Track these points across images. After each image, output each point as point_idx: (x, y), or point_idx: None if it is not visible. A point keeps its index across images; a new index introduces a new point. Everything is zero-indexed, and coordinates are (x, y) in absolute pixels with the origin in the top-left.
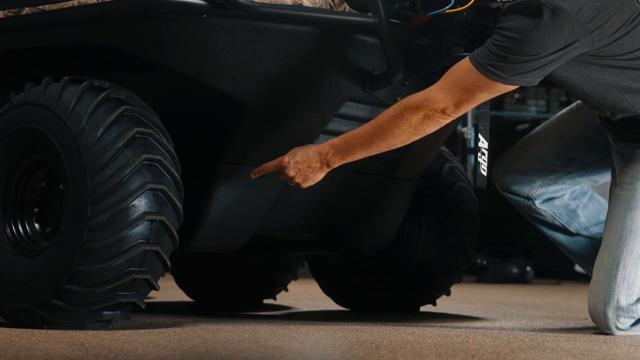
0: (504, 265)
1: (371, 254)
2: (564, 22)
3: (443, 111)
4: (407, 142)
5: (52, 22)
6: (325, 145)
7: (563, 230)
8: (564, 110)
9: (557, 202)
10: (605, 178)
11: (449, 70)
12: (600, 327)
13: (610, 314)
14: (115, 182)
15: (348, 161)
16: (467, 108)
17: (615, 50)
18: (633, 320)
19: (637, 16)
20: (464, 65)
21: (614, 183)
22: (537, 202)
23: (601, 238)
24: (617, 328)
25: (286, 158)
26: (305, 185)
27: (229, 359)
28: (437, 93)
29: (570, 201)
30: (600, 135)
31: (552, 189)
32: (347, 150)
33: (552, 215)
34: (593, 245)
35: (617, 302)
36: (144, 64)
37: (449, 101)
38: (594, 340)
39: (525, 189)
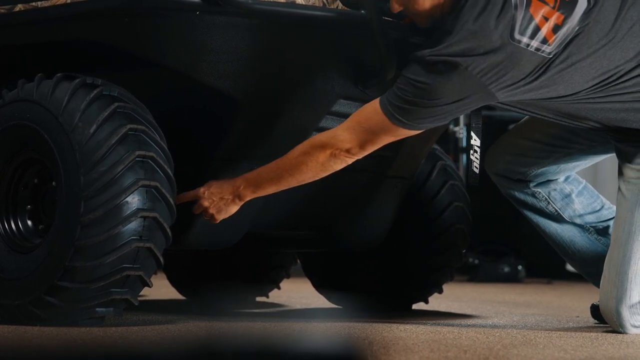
0: (495, 264)
1: (363, 251)
2: (457, 76)
3: (348, 151)
4: (315, 178)
5: (46, 19)
6: (239, 178)
7: (555, 217)
8: None
9: (552, 185)
10: (607, 156)
11: (357, 110)
12: (612, 326)
13: (624, 312)
14: (108, 179)
15: (260, 195)
16: (372, 149)
17: (545, 94)
18: None
19: (546, 64)
20: (372, 106)
21: (621, 179)
22: (532, 185)
23: (594, 227)
24: (633, 326)
25: (202, 189)
26: (218, 217)
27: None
28: (343, 132)
29: (565, 184)
30: None
31: (550, 170)
32: (258, 185)
33: (546, 199)
34: (586, 236)
35: (630, 298)
36: (138, 61)
37: (353, 142)
38: (585, 337)
39: (521, 170)
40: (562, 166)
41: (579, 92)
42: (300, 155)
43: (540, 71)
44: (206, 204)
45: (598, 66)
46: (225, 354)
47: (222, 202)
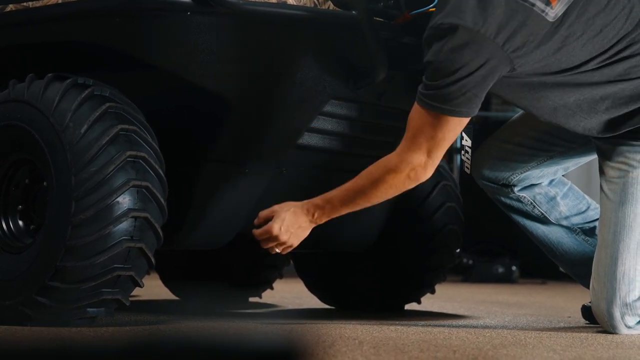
0: (489, 264)
1: (356, 252)
2: (472, 41)
3: (424, 167)
4: (390, 197)
5: (38, 19)
6: (310, 205)
7: (542, 220)
8: None
9: (537, 189)
10: (589, 158)
11: (406, 126)
12: (604, 326)
13: (616, 312)
14: (99, 179)
15: (332, 217)
16: (442, 152)
17: (550, 66)
18: (638, 319)
19: (551, 30)
20: (414, 112)
21: (602, 178)
22: (516, 189)
23: (581, 228)
24: (624, 326)
25: (275, 226)
26: (294, 246)
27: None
28: (408, 151)
29: (550, 188)
30: None
31: (533, 175)
32: (333, 210)
33: (532, 203)
34: (573, 238)
35: (620, 299)
36: (130, 62)
37: (423, 155)
38: (575, 337)
39: (505, 175)
40: (545, 170)
41: (579, 65)
42: (374, 183)
43: (546, 36)
44: (284, 237)
45: (595, 41)
46: (161, 352)
47: (300, 230)
